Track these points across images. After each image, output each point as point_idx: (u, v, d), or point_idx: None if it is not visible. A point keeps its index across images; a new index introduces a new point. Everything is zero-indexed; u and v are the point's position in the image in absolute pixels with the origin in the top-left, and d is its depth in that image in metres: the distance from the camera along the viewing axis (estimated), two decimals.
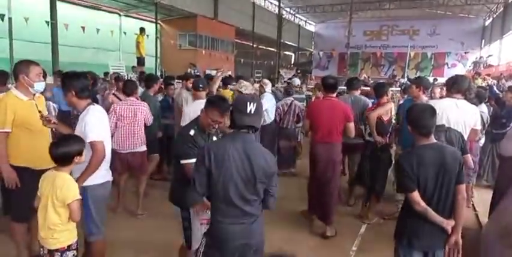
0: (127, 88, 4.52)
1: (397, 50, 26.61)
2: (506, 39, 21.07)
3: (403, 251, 2.38)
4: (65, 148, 2.33)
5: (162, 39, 19.53)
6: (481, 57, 22.17)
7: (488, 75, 13.71)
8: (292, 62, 34.40)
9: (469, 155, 3.09)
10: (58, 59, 11.33)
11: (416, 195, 2.24)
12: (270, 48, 28.97)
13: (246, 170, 2.02)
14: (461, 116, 3.37)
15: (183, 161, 2.57)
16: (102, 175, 2.76)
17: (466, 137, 3.37)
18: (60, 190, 2.28)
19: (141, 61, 13.10)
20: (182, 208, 2.69)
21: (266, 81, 6.49)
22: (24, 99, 2.91)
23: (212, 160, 2.01)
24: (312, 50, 33.11)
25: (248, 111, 2.02)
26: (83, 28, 13.50)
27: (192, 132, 2.57)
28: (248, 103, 2.03)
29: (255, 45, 25.81)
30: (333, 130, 3.90)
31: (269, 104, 5.89)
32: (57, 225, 2.33)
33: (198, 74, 11.84)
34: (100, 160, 2.66)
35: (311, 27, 33.53)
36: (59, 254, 2.37)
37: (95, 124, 2.64)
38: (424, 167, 2.23)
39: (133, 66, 13.25)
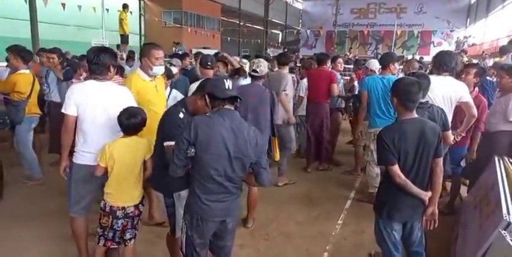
0: None
1: (384, 29, 26.53)
2: (491, 17, 21.15)
3: (383, 223, 2.47)
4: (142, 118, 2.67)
5: (146, 17, 19.07)
6: (464, 37, 22.30)
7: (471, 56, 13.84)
8: (280, 41, 34.04)
9: (450, 131, 3.17)
10: (38, 37, 11.00)
11: (396, 168, 2.31)
12: (257, 27, 28.55)
13: (234, 148, 2.04)
14: (448, 92, 3.47)
15: (166, 143, 2.43)
16: (79, 156, 2.71)
17: (451, 112, 3.48)
18: (149, 150, 2.64)
19: (124, 39, 12.78)
20: (165, 195, 2.58)
21: (245, 60, 6.48)
22: (147, 79, 3.26)
23: (198, 135, 2.01)
24: (299, 28, 32.75)
25: (226, 87, 2.08)
26: (63, 5, 13.05)
27: (181, 115, 2.52)
28: (225, 80, 2.12)
29: (241, 23, 25.38)
30: (319, 90, 5.23)
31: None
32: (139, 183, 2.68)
33: (181, 52, 11.64)
34: (63, 132, 2.70)
35: (298, 4, 33.02)
36: (142, 206, 2.74)
37: (67, 96, 2.68)
38: (405, 141, 2.29)
39: (117, 45, 12.94)
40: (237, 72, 4.52)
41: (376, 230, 2.54)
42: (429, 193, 2.37)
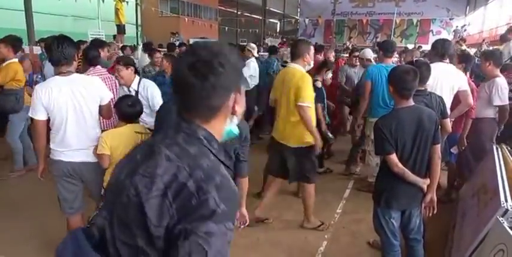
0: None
1: (383, 17, 26.31)
2: (491, 5, 20.99)
3: (382, 212, 2.49)
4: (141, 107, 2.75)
5: (143, 6, 18.84)
6: (464, 25, 22.17)
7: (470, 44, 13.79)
8: (278, 30, 33.79)
9: (448, 119, 3.17)
10: (33, 28, 10.86)
11: (394, 157, 2.31)
12: (254, 16, 28.30)
13: None
14: (450, 80, 3.50)
15: None
16: (57, 154, 2.64)
17: (451, 100, 3.50)
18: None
19: (121, 29, 12.68)
20: None
21: (253, 45, 6.45)
22: None
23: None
24: (297, 18, 32.47)
25: None
26: None
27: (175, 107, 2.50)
28: None
29: (239, 13, 25.14)
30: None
31: (254, 70, 5.94)
32: None
33: (178, 43, 11.54)
34: (35, 137, 2.67)
35: None
36: None
37: (33, 100, 2.56)
38: (402, 130, 2.29)
39: (114, 35, 12.84)
40: (325, 65, 4.51)
41: (375, 219, 2.56)
42: (427, 181, 2.38)
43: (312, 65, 3.48)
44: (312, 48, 3.39)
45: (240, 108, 1.01)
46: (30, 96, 2.81)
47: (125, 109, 2.67)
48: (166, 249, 0.82)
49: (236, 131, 1.03)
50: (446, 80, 3.47)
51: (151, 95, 3.39)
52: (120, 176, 0.94)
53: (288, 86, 3.23)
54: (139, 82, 3.42)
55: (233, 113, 0.99)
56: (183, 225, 0.80)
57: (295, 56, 3.33)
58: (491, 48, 7.45)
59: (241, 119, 2.10)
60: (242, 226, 2.30)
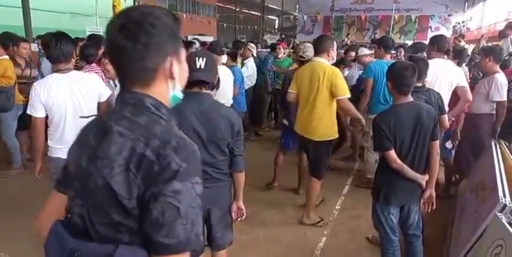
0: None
1: (381, 14, 26.25)
2: (489, 1, 20.95)
3: (381, 208, 2.49)
4: None
5: (141, 3, 18.75)
6: (462, 21, 22.17)
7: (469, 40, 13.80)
8: (276, 27, 33.72)
9: (446, 115, 3.18)
10: (31, 25, 10.82)
11: (392, 153, 2.31)
12: (253, 12, 28.22)
13: (206, 132, 1.97)
14: (449, 76, 3.53)
15: None
16: (55, 151, 2.64)
17: (449, 96, 3.51)
18: None
19: None
20: None
21: (253, 45, 6.43)
22: None
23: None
24: (296, 14, 32.39)
25: (198, 66, 1.95)
26: None
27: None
28: (197, 58, 1.96)
29: (237, 9, 25.07)
30: None
31: (252, 70, 5.94)
32: None
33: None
34: (33, 135, 2.63)
35: None
36: None
37: (31, 97, 2.54)
38: (401, 126, 2.29)
39: None
40: (342, 62, 4.52)
41: (374, 215, 2.56)
42: (426, 177, 2.39)
43: (334, 60, 3.63)
44: (335, 44, 3.55)
45: (182, 73, 1.01)
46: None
47: None
48: (141, 217, 0.86)
49: (180, 95, 1.02)
50: (445, 76, 3.49)
51: None
52: (82, 162, 0.96)
53: (316, 82, 3.29)
54: None
55: (171, 77, 0.97)
56: (151, 190, 0.84)
57: (319, 51, 3.43)
58: (490, 44, 7.44)
59: (234, 112, 2.11)
60: (239, 219, 2.31)
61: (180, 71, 0.99)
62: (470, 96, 3.66)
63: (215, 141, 2.00)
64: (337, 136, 3.49)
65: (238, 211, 2.26)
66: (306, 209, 3.63)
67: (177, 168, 0.85)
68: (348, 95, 3.33)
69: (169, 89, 0.98)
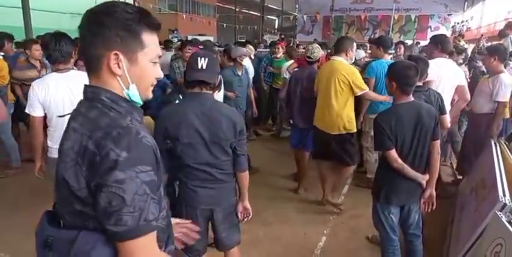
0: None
1: (381, 13, 26.25)
2: (489, 1, 20.94)
3: (381, 207, 2.49)
4: None
5: (141, 3, 18.75)
6: (461, 21, 22.17)
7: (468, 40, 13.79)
8: (276, 27, 33.71)
9: (446, 115, 3.18)
10: (31, 25, 10.81)
11: (393, 153, 2.31)
12: (253, 12, 28.22)
13: (208, 132, 1.96)
14: (452, 75, 3.53)
15: None
16: (54, 151, 2.60)
17: (451, 96, 3.52)
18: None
19: None
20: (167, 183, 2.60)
21: (251, 47, 6.47)
22: None
23: (168, 127, 1.94)
24: (296, 14, 32.40)
25: (199, 66, 1.95)
26: None
27: (177, 102, 2.48)
28: (199, 58, 1.96)
29: (237, 9, 25.06)
30: None
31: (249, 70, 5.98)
32: None
33: (177, 40, 11.50)
34: (32, 134, 2.63)
35: None
36: None
37: (29, 96, 2.55)
38: (401, 126, 2.29)
39: None
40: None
41: (374, 214, 2.57)
42: (426, 176, 2.39)
43: (352, 60, 3.79)
44: (355, 44, 3.71)
45: (138, 75, 1.02)
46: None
47: None
48: (93, 204, 0.91)
49: (137, 98, 1.03)
50: (448, 76, 3.49)
51: None
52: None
53: (334, 79, 3.48)
54: None
55: (112, 71, 0.98)
56: (96, 181, 0.89)
57: (338, 51, 3.62)
58: (489, 44, 7.43)
59: (236, 112, 2.11)
60: (246, 219, 2.31)
61: (135, 72, 1.00)
62: (468, 95, 3.67)
63: (218, 142, 1.99)
64: (355, 130, 3.67)
65: (244, 211, 2.26)
66: (333, 188, 3.94)
67: (115, 158, 0.87)
68: (367, 88, 3.54)
69: (120, 86, 1.01)
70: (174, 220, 1.29)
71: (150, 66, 1.04)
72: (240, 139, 2.06)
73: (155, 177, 0.94)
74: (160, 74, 1.06)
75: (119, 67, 0.98)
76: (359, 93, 3.49)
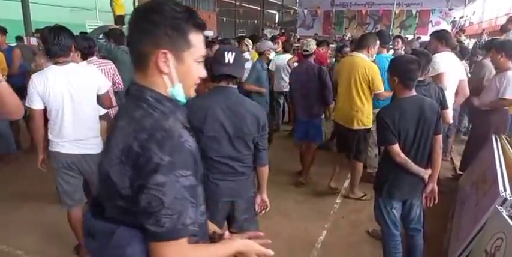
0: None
1: (382, 8, 26.10)
2: None
3: (383, 202, 2.49)
4: None
5: None
6: (461, 17, 22.05)
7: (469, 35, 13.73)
8: (276, 21, 33.53)
9: (448, 110, 3.17)
10: (30, 19, 10.76)
11: (396, 147, 2.31)
12: (253, 7, 28.06)
13: (233, 127, 1.99)
14: (456, 69, 3.56)
15: None
16: (55, 145, 2.63)
17: (454, 90, 3.51)
18: None
19: (118, 20, 12.51)
20: None
21: (249, 40, 6.43)
22: None
23: (193, 120, 1.92)
24: (296, 8, 32.22)
25: (226, 61, 1.97)
26: None
27: None
28: (226, 53, 1.98)
29: (237, 3, 24.91)
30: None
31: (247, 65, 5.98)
32: None
33: None
34: (32, 127, 2.62)
35: None
36: None
37: (29, 89, 2.52)
38: (405, 120, 2.29)
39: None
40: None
41: (376, 209, 2.57)
42: (429, 171, 2.39)
43: (373, 57, 3.84)
44: (377, 42, 3.75)
45: (185, 75, 1.03)
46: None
47: None
48: (137, 203, 0.93)
49: (181, 98, 1.04)
50: (452, 70, 3.49)
51: None
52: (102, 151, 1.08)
53: (354, 75, 3.58)
54: None
55: (159, 70, 0.99)
56: (138, 182, 0.91)
57: (360, 47, 3.68)
58: (490, 39, 7.39)
59: (259, 107, 2.12)
60: (263, 211, 2.34)
61: (181, 71, 1.02)
62: (468, 90, 3.67)
63: (242, 136, 2.02)
64: (371, 125, 3.74)
65: (262, 203, 2.30)
66: (351, 186, 4.05)
67: (159, 161, 0.89)
68: (382, 89, 3.62)
69: (166, 84, 1.01)
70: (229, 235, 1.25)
71: (195, 66, 1.05)
72: (262, 134, 2.09)
73: (195, 181, 0.96)
74: (204, 73, 1.09)
75: (167, 65, 0.99)
76: (377, 92, 3.59)
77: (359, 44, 3.71)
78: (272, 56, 5.09)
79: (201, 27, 1.03)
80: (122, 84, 4.01)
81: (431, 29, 24.65)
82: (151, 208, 0.90)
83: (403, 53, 5.52)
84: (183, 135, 0.96)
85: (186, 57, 1.01)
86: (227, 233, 1.24)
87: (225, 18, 23.48)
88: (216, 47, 5.18)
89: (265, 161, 2.17)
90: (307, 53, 4.23)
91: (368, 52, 3.65)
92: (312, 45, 4.23)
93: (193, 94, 1.09)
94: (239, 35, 19.02)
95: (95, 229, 1.02)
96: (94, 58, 3.72)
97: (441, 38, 3.68)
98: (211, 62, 2.03)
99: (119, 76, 3.99)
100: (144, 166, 0.90)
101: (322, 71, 4.12)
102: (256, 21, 25.81)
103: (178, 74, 1.01)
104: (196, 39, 1.02)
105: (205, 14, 21.26)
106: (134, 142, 0.92)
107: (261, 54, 4.68)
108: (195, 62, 1.04)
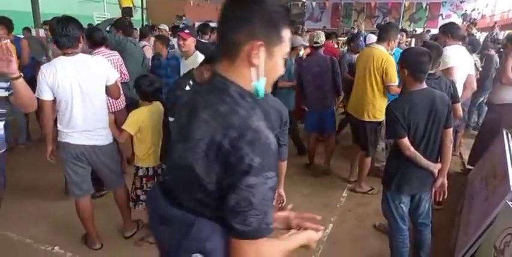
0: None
1: (391, 1, 25.74)
2: None
3: (392, 196, 2.47)
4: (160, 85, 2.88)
5: None
6: (472, 10, 21.67)
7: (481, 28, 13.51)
8: None
9: (459, 104, 3.12)
10: (39, 11, 10.78)
11: (406, 141, 2.28)
12: None
13: None
14: (466, 63, 3.52)
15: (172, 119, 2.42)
16: (64, 135, 2.64)
17: (462, 84, 3.47)
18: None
19: (125, 12, 12.47)
20: None
21: None
22: None
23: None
24: (304, 1, 31.91)
25: None
26: None
27: (187, 88, 2.45)
28: None
29: None
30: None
31: None
32: None
33: (185, 25, 11.34)
34: (42, 118, 2.63)
35: None
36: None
37: (38, 80, 2.53)
38: (415, 113, 2.25)
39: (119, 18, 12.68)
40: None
41: (384, 203, 2.54)
42: (438, 165, 2.36)
43: (393, 50, 3.80)
44: (399, 36, 3.78)
45: (271, 69, 1.01)
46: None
47: (144, 88, 2.76)
48: (220, 199, 0.94)
49: (262, 93, 1.03)
50: (461, 63, 3.45)
51: None
52: (176, 135, 1.09)
53: (370, 66, 3.57)
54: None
55: (250, 61, 0.97)
56: (228, 181, 0.92)
57: (381, 39, 3.65)
58: (503, 32, 7.26)
59: (281, 103, 2.10)
60: (280, 205, 2.36)
61: (269, 65, 1.00)
62: (475, 85, 3.64)
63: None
64: (383, 119, 3.63)
65: (279, 197, 2.33)
66: (358, 180, 4.04)
67: (250, 162, 0.89)
68: (395, 83, 3.53)
69: (251, 77, 1.00)
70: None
71: (281, 62, 1.04)
72: (283, 130, 2.10)
73: (277, 182, 0.96)
74: (283, 71, 1.09)
75: (258, 58, 0.98)
76: (389, 84, 3.53)
77: (380, 36, 3.69)
78: (301, 52, 5.04)
79: (291, 24, 1.03)
80: (128, 76, 4.01)
81: (441, 22, 24.21)
82: (240, 207, 0.91)
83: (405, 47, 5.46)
84: (269, 136, 0.95)
85: (275, 51, 1.01)
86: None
87: None
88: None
89: (284, 157, 2.21)
90: (317, 44, 4.24)
91: (388, 45, 3.62)
92: (322, 37, 4.25)
93: (269, 91, 1.07)
94: None
95: (170, 217, 1.03)
96: (102, 49, 3.72)
97: (447, 32, 3.66)
98: None
99: (125, 67, 3.99)
100: (236, 166, 0.90)
101: (334, 62, 4.18)
102: None
103: (265, 68, 1.00)
104: (287, 35, 1.02)
105: (213, 5, 21.12)
106: (224, 140, 0.91)
107: (292, 49, 4.65)
108: (281, 58, 1.03)
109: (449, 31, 3.63)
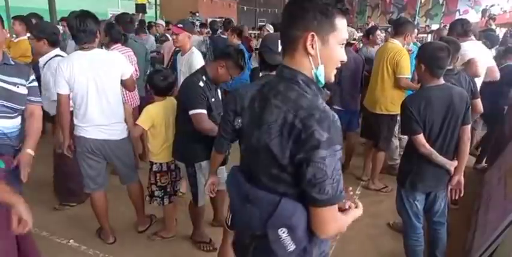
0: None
1: None
2: None
3: (406, 194, 2.43)
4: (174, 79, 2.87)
5: None
6: (491, 5, 21.15)
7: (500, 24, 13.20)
8: None
9: (479, 99, 3.04)
10: (55, 8, 10.91)
11: (421, 138, 2.23)
12: None
13: None
14: (485, 57, 3.52)
15: (192, 112, 2.43)
16: (80, 130, 2.67)
17: (482, 79, 3.43)
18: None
19: (139, 8, 12.55)
20: (187, 164, 2.63)
21: (270, 26, 6.36)
22: None
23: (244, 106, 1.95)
24: None
25: (280, 49, 1.91)
26: None
27: (201, 83, 2.46)
28: (279, 41, 1.93)
29: None
30: None
31: None
32: None
33: (199, 23, 11.38)
34: (59, 112, 2.63)
35: None
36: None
37: (56, 75, 2.56)
38: (431, 110, 2.19)
39: (132, 14, 12.77)
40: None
41: (398, 201, 2.50)
42: (455, 163, 2.29)
43: (410, 45, 3.89)
44: (416, 31, 3.79)
45: (328, 57, 1.10)
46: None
47: (158, 83, 2.76)
48: (295, 173, 1.09)
49: (322, 79, 1.13)
50: (481, 57, 3.45)
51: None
52: (249, 124, 1.23)
53: (383, 60, 3.60)
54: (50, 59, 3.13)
55: (306, 50, 1.08)
56: (301, 155, 1.04)
57: (398, 33, 3.65)
58: None
59: None
60: None
61: (325, 53, 1.10)
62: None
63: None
64: (397, 113, 3.52)
65: None
66: (371, 176, 4.03)
67: (320, 137, 1.01)
68: (407, 75, 3.54)
69: (311, 65, 1.11)
70: None
71: (338, 49, 1.13)
72: None
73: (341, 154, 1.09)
74: (345, 57, 1.16)
75: (313, 48, 1.08)
76: (399, 76, 3.52)
77: (396, 30, 3.68)
78: None
79: (345, 12, 1.11)
80: (138, 72, 4.07)
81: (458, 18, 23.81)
82: (316, 179, 1.04)
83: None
84: (334, 114, 1.07)
85: (330, 39, 1.10)
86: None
87: (245, 7, 23.27)
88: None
89: None
90: (355, 41, 4.30)
91: (404, 39, 3.62)
92: (356, 34, 4.29)
93: (332, 78, 1.16)
94: (259, 23, 18.84)
95: (254, 196, 1.18)
96: (118, 45, 3.76)
97: (452, 31, 3.71)
98: (263, 50, 1.99)
99: (136, 64, 4.02)
100: (306, 141, 1.02)
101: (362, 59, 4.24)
102: (276, 10, 25.48)
103: (322, 56, 1.10)
104: (341, 23, 1.10)
105: (226, 2, 21.11)
106: (295, 119, 1.05)
107: None
108: (338, 44, 1.12)
109: (451, 29, 3.74)
